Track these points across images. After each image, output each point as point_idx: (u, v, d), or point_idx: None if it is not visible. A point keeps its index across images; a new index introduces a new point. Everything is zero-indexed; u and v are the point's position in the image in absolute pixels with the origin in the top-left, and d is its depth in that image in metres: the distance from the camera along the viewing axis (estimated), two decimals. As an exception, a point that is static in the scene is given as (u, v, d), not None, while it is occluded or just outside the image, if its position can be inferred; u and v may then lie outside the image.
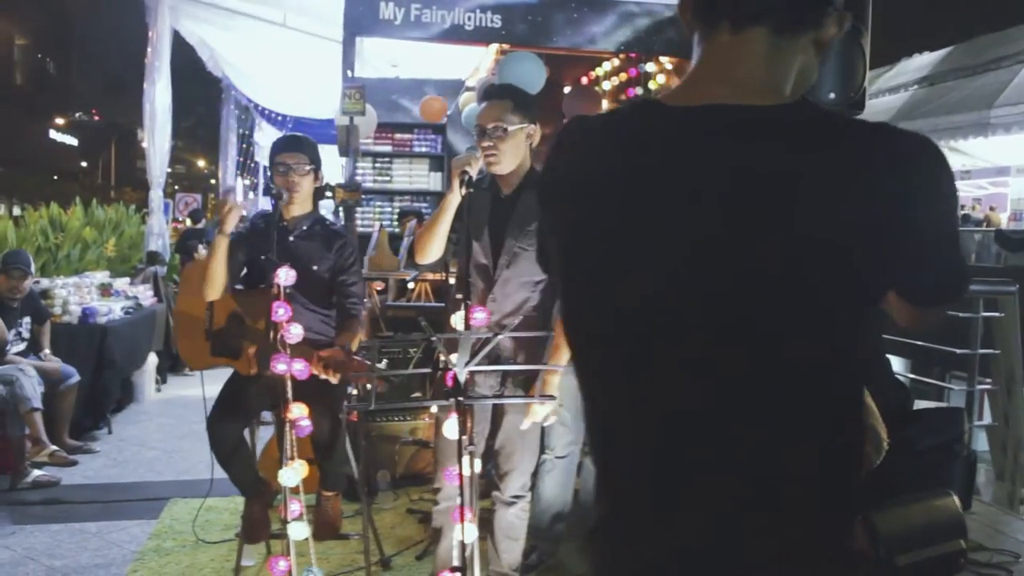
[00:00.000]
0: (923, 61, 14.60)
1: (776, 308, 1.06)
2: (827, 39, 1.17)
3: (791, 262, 1.04)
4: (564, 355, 3.17)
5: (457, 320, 2.75)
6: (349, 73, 6.09)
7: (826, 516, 1.09)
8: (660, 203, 1.10)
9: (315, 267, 3.52)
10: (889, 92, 14.23)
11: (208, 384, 3.76)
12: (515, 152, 3.07)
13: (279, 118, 12.57)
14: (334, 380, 3.21)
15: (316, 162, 3.58)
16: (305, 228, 3.61)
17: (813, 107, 1.13)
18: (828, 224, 1.04)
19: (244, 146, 13.94)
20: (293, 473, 3.04)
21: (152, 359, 7.76)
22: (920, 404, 3.54)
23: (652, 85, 7.50)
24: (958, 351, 4.73)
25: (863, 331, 1.10)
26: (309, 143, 3.64)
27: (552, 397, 3.11)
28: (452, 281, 3.28)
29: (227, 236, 3.39)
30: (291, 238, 3.52)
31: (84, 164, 49.00)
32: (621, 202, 1.13)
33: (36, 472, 5.24)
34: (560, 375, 3.15)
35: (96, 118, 51.19)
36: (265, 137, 13.61)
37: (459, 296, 2.81)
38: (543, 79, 6.23)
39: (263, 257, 3.42)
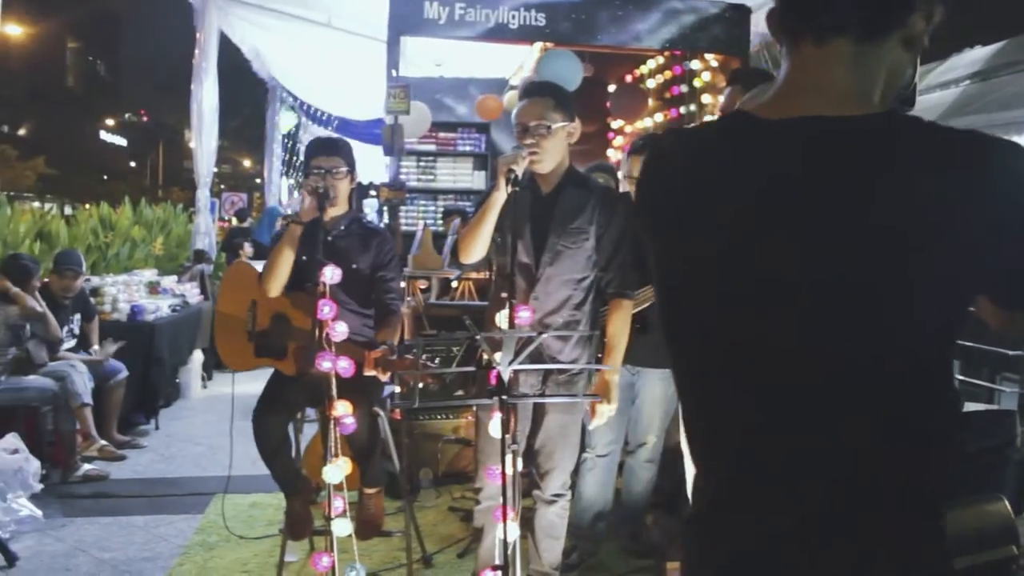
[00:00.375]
0: (975, 56, 14.23)
1: (858, 313, 1.07)
2: (917, 35, 1.16)
3: (877, 269, 1.05)
4: (618, 356, 3.16)
5: (502, 319, 2.75)
6: (393, 72, 6.11)
7: (913, 518, 1.11)
8: (748, 212, 1.13)
9: (354, 265, 3.54)
10: (940, 88, 13.93)
11: (247, 383, 3.78)
12: (557, 150, 3.06)
13: (325, 117, 12.66)
14: (384, 377, 3.23)
15: (351, 164, 3.61)
16: (343, 228, 3.64)
17: (900, 115, 1.13)
18: (912, 230, 1.04)
19: (289, 145, 14.07)
20: (337, 470, 3.06)
21: (198, 356, 7.86)
22: (970, 406, 3.48)
23: (697, 82, 7.44)
24: (1010, 352, 4.63)
25: (947, 333, 1.11)
26: (344, 145, 3.67)
27: (596, 396, 3.10)
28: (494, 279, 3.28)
29: (303, 225, 3.40)
30: (329, 238, 3.53)
31: (133, 164, 49.95)
32: (712, 211, 1.16)
33: (86, 466, 5.35)
34: (615, 375, 3.15)
35: (145, 119, 52.14)
36: (311, 137, 13.70)
37: (503, 295, 2.81)
38: (580, 76, 6.21)
39: (303, 257, 3.45)
